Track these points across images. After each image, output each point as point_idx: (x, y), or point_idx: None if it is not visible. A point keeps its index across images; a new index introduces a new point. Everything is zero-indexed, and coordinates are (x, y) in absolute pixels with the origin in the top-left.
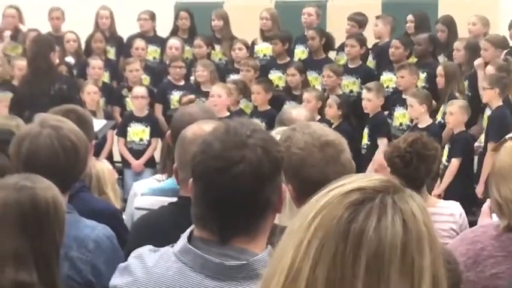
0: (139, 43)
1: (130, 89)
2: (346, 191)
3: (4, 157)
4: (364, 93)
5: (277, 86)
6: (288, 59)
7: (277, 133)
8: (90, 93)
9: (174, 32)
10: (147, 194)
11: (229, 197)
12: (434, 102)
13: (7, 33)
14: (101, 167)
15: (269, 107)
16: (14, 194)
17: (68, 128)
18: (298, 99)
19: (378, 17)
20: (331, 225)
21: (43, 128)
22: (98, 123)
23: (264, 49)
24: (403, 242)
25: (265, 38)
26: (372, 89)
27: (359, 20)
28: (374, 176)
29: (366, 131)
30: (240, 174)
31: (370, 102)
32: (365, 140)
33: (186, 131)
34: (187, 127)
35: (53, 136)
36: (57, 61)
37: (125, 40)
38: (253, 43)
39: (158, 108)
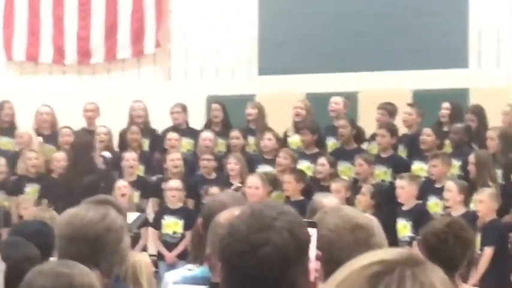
0: (172, 135)
1: (168, 180)
2: (366, 264)
3: (35, 248)
4: (397, 182)
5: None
6: (317, 149)
7: None
8: (121, 188)
9: (208, 125)
10: (179, 282)
11: (255, 280)
12: None
13: (39, 138)
14: (138, 258)
15: (301, 197)
16: (51, 281)
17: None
18: (328, 190)
19: (409, 105)
20: None
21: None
22: (131, 217)
23: (297, 141)
24: None
25: (297, 129)
26: (404, 177)
27: (389, 109)
28: (396, 249)
29: (407, 223)
30: (265, 257)
31: (404, 190)
32: (407, 232)
33: (219, 217)
34: (220, 213)
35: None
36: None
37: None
38: (286, 134)
39: (189, 203)
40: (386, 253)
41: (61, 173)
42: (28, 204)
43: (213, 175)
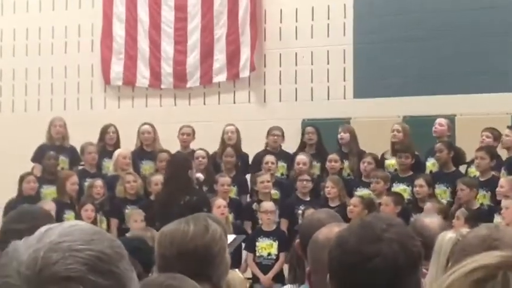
0: (269, 158)
1: (260, 202)
2: (468, 271)
3: (138, 264)
4: (503, 202)
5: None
6: (411, 172)
7: None
8: (220, 207)
9: (301, 148)
10: None
11: None
12: None
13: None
14: (232, 275)
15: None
16: None
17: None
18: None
19: (510, 127)
20: None
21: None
22: (229, 238)
23: (394, 163)
24: None
25: (394, 152)
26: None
27: (494, 134)
28: (496, 252)
29: None
30: (375, 269)
31: (508, 210)
32: None
33: (318, 234)
34: (319, 230)
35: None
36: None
37: (250, 156)
38: (383, 157)
39: (284, 224)
40: (488, 257)
41: (158, 193)
42: (138, 217)
43: (308, 197)
